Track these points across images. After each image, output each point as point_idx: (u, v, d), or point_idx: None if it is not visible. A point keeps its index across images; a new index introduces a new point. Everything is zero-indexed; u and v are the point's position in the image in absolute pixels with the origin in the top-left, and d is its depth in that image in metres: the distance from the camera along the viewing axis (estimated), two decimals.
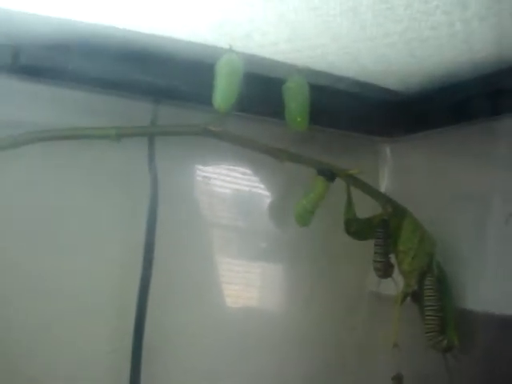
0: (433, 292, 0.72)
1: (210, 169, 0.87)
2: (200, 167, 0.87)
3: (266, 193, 0.90)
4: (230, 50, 0.62)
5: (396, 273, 0.77)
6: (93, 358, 0.78)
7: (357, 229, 0.78)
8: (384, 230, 0.77)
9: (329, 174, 0.74)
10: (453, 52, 0.64)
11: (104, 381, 0.79)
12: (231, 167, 0.89)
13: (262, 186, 0.90)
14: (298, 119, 0.68)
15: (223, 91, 0.62)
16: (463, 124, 0.77)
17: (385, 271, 0.77)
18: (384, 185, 0.92)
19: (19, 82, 0.72)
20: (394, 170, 0.92)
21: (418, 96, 0.78)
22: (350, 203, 0.77)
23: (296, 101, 0.68)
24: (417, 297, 0.74)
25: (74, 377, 0.77)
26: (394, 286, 0.76)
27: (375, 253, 0.77)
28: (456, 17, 0.56)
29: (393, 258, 0.77)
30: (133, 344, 0.77)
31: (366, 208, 0.79)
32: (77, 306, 0.77)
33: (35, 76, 0.71)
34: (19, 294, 0.75)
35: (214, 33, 0.61)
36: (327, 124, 0.84)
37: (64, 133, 0.71)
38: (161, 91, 0.75)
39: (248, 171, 0.90)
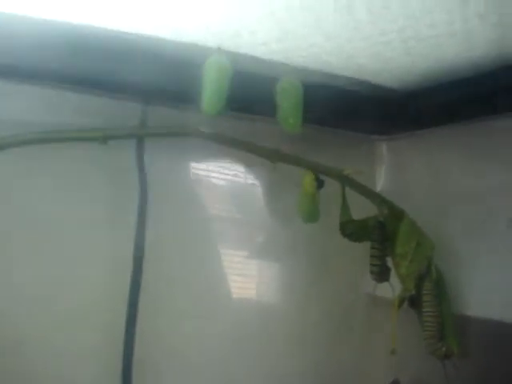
0: (431, 297, 0.70)
1: (201, 168, 0.85)
2: (190, 167, 0.84)
3: (260, 193, 0.88)
4: (219, 50, 0.59)
5: (393, 275, 0.75)
6: (86, 352, 0.76)
7: (352, 231, 0.76)
8: (380, 233, 0.75)
9: (317, 182, 0.71)
10: (452, 50, 0.62)
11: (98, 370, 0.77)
12: (223, 166, 0.86)
13: (256, 185, 0.88)
14: (291, 121, 0.65)
15: (211, 94, 0.59)
16: (462, 122, 0.75)
17: (381, 275, 0.75)
18: (380, 184, 0.90)
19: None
20: (390, 168, 0.90)
21: (415, 93, 0.76)
22: (345, 205, 0.75)
23: (289, 102, 0.65)
24: (414, 302, 0.72)
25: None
26: (391, 289, 0.74)
27: (371, 256, 0.75)
28: (456, 15, 0.54)
29: (389, 261, 0.75)
30: (124, 342, 0.75)
31: (363, 207, 0.77)
32: (67, 307, 0.75)
33: (19, 76, 0.69)
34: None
35: (200, 32, 0.58)
36: (322, 122, 0.82)
37: (50, 135, 0.68)
38: (149, 91, 0.72)
39: (240, 171, 0.87)
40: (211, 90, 0.59)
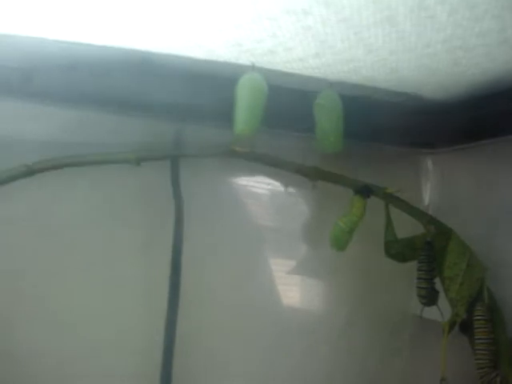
0: (484, 324, 0.66)
1: (238, 185, 0.82)
2: (227, 184, 0.82)
3: (301, 213, 0.84)
4: (252, 68, 0.56)
5: (442, 297, 0.70)
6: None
7: (397, 251, 0.73)
8: (428, 254, 0.71)
9: (364, 191, 0.68)
10: (503, 59, 0.57)
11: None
12: (262, 182, 0.83)
13: (298, 200, 0.84)
14: (331, 139, 0.63)
15: (244, 114, 0.56)
16: None
17: (429, 299, 0.71)
18: (427, 200, 0.85)
19: (34, 105, 0.69)
20: (437, 183, 0.85)
21: (462, 104, 0.71)
22: (389, 224, 0.72)
23: (328, 119, 0.62)
24: (466, 327, 0.68)
25: None
26: (440, 312, 0.70)
27: (418, 278, 0.71)
28: (508, 22, 0.49)
29: (438, 283, 0.71)
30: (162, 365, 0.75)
31: (408, 224, 0.73)
32: (102, 332, 0.75)
33: (49, 98, 0.68)
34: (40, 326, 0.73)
35: (232, 51, 0.55)
36: (364, 136, 0.78)
37: (83, 159, 0.68)
38: (183, 110, 0.70)
39: (280, 186, 0.84)
40: (244, 109, 0.57)
